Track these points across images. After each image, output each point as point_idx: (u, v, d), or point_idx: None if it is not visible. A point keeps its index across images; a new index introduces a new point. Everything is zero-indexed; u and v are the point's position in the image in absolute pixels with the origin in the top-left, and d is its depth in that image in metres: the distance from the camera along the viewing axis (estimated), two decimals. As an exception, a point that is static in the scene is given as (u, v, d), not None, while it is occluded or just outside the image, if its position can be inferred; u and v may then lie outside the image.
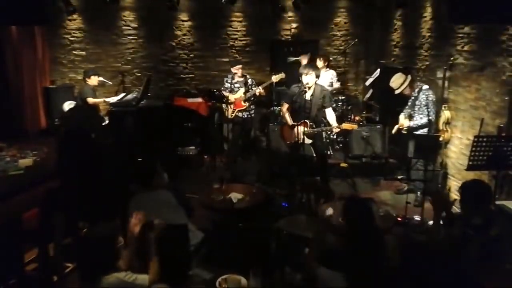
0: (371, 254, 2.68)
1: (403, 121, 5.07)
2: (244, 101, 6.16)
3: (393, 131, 5.21)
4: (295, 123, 4.86)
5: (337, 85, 6.83)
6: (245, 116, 6.27)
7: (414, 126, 4.96)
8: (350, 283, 2.68)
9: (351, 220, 2.82)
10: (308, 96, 4.94)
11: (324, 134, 6.24)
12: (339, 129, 5.02)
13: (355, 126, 4.97)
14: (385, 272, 2.68)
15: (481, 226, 2.76)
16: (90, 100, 6.18)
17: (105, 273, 2.37)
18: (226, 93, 6.27)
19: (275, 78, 6.16)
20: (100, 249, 2.41)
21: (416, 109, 4.97)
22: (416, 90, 4.99)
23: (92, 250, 2.42)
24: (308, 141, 4.97)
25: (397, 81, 5.01)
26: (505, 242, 2.76)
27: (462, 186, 2.94)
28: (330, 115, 5.07)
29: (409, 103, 5.10)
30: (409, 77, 5.00)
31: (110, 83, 7.08)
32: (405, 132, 5.09)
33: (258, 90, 6.12)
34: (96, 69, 6.86)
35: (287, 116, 5.11)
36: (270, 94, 6.75)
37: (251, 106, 6.33)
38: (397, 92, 5.04)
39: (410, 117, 5.05)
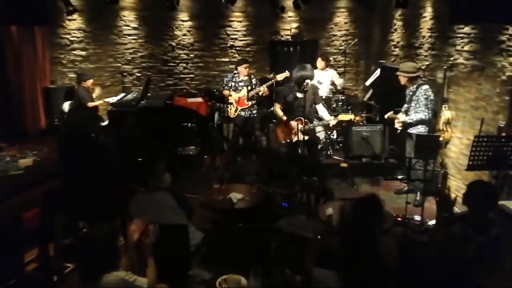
0: (371, 254, 2.68)
1: (400, 116, 5.13)
2: (247, 100, 6.17)
3: (386, 116, 5.34)
4: (290, 119, 4.98)
5: (340, 81, 6.84)
6: (247, 115, 6.27)
7: (409, 121, 5.00)
8: (349, 284, 2.68)
9: (359, 219, 2.79)
10: (300, 94, 5.02)
11: (324, 134, 6.27)
12: (336, 121, 5.09)
13: (351, 117, 5.03)
14: (385, 272, 2.68)
15: (481, 226, 2.76)
16: (90, 104, 6.20)
17: (105, 272, 2.37)
18: (226, 92, 6.26)
19: (279, 77, 6.17)
20: (100, 248, 2.41)
21: (413, 104, 5.01)
22: (415, 86, 5.02)
23: (92, 249, 2.42)
24: (304, 137, 5.02)
25: (409, 66, 5.09)
26: (505, 242, 2.76)
27: (470, 185, 2.94)
28: (322, 110, 5.23)
29: (407, 98, 5.15)
30: (419, 74, 5.12)
31: (108, 84, 7.01)
32: (401, 128, 5.15)
33: (263, 89, 6.14)
34: (90, 72, 6.87)
35: (280, 112, 5.24)
36: (270, 94, 6.76)
37: (254, 105, 6.34)
38: (398, 73, 5.10)
39: (406, 113, 5.11)
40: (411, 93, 5.06)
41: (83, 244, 2.60)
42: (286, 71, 6.26)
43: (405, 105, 5.16)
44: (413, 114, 4.98)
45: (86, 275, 2.45)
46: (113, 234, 2.53)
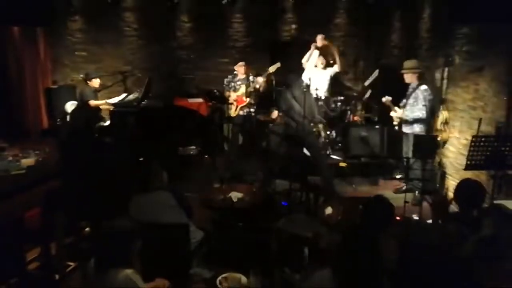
0: (371, 254, 2.70)
1: (398, 110, 5.19)
2: (246, 97, 6.24)
3: (383, 99, 5.32)
4: None
5: (336, 69, 6.78)
6: (246, 113, 6.33)
7: (406, 118, 5.06)
8: (347, 283, 2.70)
9: (371, 219, 2.82)
10: None
11: (323, 134, 6.29)
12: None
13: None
14: (384, 272, 2.71)
15: (474, 225, 2.79)
16: (92, 102, 6.23)
17: (118, 267, 2.34)
18: (227, 93, 6.34)
19: (271, 68, 6.27)
20: (117, 243, 2.38)
21: (410, 101, 5.07)
22: (415, 84, 5.08)
23: (110, 243, 2.39)
24: None
25: (413, 62, 5.18)
26: (504, 241, 2.78)
27: (459, 184, 3.00)
28: None
29: (407, 94, 5.19)
30: (420, 70, 5.19)
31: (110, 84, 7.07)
32: (397, 125, 5.22)
33: (261, 80, 6.22)
34: (98, 73, 6.90)
35: None
36: (270, 95, 6.80)
37: (252, 102, 6.41)
38: (403, 71, 5.19)
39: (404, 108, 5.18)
40: (411, 89, 5.11)
41: (102, 235, 2.55)
42: (278, 62, 6.35)
43: (404, 100, 5.21)
44: (409, 112, 5.03)
45: (100, 267, 2.42)
46: (132, 230, 2.50)
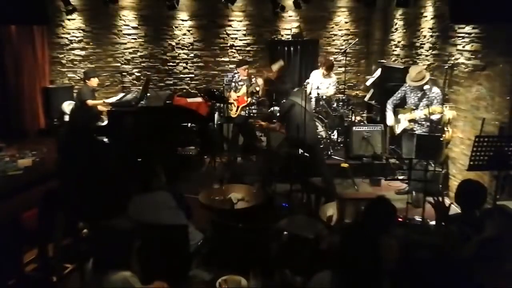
0: (372, 255, 2.66)
1: (413, 112, 5.08)
2: (247, 97, 6.23)
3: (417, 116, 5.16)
4: None
5: (332, 91, 6.76)
6: (247, 114, 6.31)
7: (421, 119, 5.01)
8: (350, 284, 2.66)
9: (373, 220, 2.79)
10: None
11: (324, 134, 6.25)
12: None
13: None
14: (385, 272, 2.67)
15: (476, 225, 2.76)
16: (90, 102, 6.18)
17: (116, 268, 2.31)
18: (227, 93, 6.32)
19: (274, 67, 6.22)
20: (116, 243, 2.34)
21: (424, 103, 4.99)
22: (425, 87, 5.02)
23: (108, 243, 2.35)
24: None
25: (418, 75, 5.03)
26: (506, 242, 2.74)
27: (460, 185, 2.98)
28: None
29: (418, 96, 5.12)
30: (429, 78, 5.07)
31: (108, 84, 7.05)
32: (410, 127, 5.15)
33: (260, 82, 6.21)
34: (97, 71, 6.86)
35: None
36: (270, 95, 6.76)
37: (254, 104, 6.39)
38: (414, 84, 5.07)
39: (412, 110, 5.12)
40: (422, 92, 5.03)
41: (102, 234, 2.50)
42: (281, 60, 6.31)
43: (421, 103, 5.08)
44: (426, 114, 4.97)
45: (98, 266, 2.37)
46: (132, 230, 2.45)
